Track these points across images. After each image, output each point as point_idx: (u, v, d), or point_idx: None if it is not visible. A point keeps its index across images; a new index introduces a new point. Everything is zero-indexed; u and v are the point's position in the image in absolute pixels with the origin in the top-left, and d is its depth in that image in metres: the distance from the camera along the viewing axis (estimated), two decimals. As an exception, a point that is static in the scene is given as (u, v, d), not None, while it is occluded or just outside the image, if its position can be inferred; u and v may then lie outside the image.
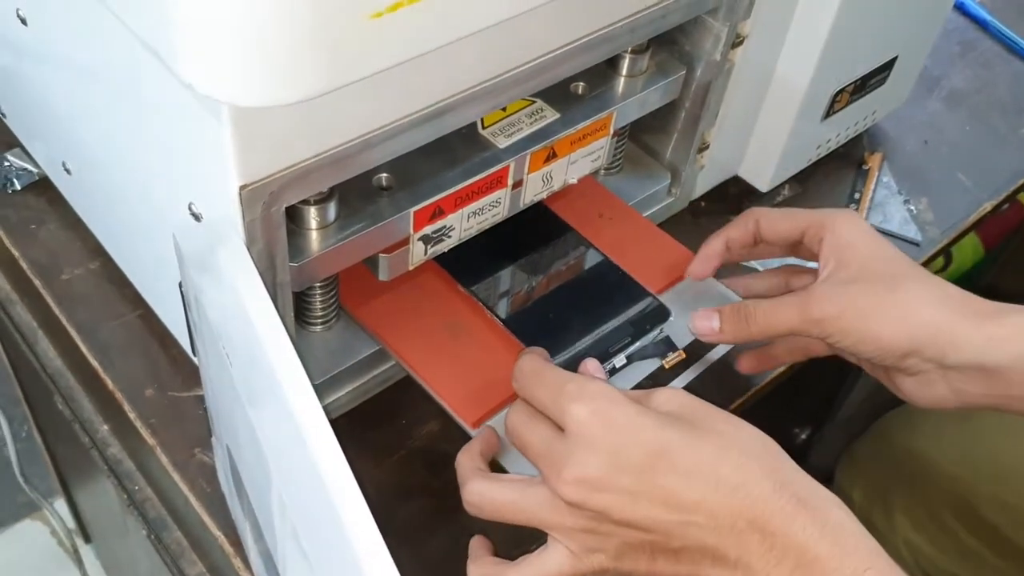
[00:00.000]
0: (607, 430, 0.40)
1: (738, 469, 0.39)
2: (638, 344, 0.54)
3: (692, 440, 0.40)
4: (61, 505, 1.22)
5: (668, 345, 0.55)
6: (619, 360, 0.54)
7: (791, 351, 0.57)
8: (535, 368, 0.44)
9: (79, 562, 1.24)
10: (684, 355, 0.55)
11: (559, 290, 0.58)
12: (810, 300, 0.50)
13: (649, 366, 0.54)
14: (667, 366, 0.54)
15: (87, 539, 1.26)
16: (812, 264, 0.54)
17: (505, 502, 0.43)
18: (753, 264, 0.65)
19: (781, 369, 0.62)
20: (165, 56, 0.37)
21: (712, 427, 0.41)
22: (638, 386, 0.54)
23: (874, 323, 0.48)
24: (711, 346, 0.56)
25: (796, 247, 0.55)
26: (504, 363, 0.53)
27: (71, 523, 1.24)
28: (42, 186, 0.66)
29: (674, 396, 0.43)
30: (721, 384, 0.61)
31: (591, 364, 0.48)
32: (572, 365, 0.52)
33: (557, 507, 0.41)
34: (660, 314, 0.56)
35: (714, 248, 0.56)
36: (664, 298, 0.57)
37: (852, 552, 0.38)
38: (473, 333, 0.55)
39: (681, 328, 0.55)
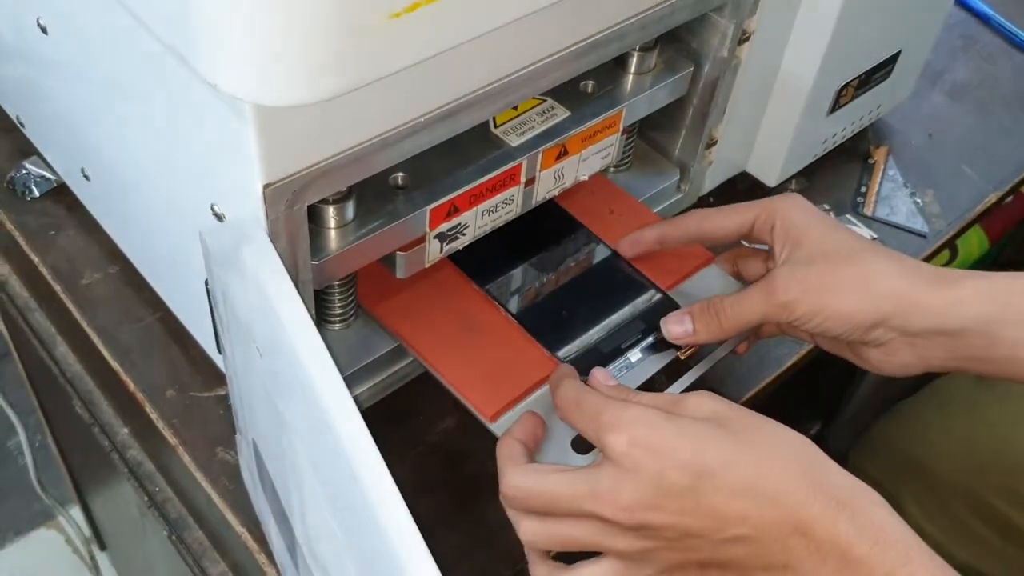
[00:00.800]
0: (648, 457, 0.41)
1: (778, 478, 0.40)
2: (650, 339, 0.55)
3: (731, 454, 0.41)
4: (77, 513, 1.23)
5: None
6: (634, 355, 0.54)
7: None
8: (574, 398, 0.45)
9: (95, 569, 1.25)
10: (697, 346, 0.55)
11: (571, 286, 0.58)
12: (774, 285, 0.50)
13: (665, 358, 0.55)
14: (683, 357, 0.55)
15: (102, 547, 1.27)
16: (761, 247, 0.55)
17: (561, 498, 0.43)
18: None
19: (787, 365, 0.63)
20: (188, 57, 0.37)
21: (748, 435, 0.42)
22: (653, 379, 0.54)
23: (839, 299, 0.49)
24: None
25: (744, 239, 0.56)
26: (521, 358, 0.54)
27: (87, 531, 1.25)
28: (60, 192, 0.67)
29: (703, 403, 0.43)
30: (726, 382, 0.61)
31: (599, 374, 0.48)
32: (585, 361, 0.53)
33: (607, 530, 0.42)
34: (670, 308, 0.56)
35: (647, 238, 0.58)
36: (676, 291, 0.58)
37: (890, 549, 0.39)
38: (489, 329, 0.55)
39: None
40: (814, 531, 0.39)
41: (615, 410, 0.42)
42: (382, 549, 0.33)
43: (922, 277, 0.50)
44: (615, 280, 0.59)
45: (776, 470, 0.40)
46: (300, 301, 0.36)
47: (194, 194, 0.47)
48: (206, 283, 0.43)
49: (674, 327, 0.53)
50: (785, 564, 0.40)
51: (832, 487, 0.40)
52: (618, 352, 0.54)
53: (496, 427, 0.51)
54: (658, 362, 0.55)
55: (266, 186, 0.40)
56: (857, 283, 0.49)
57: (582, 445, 0.49)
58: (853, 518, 0.39)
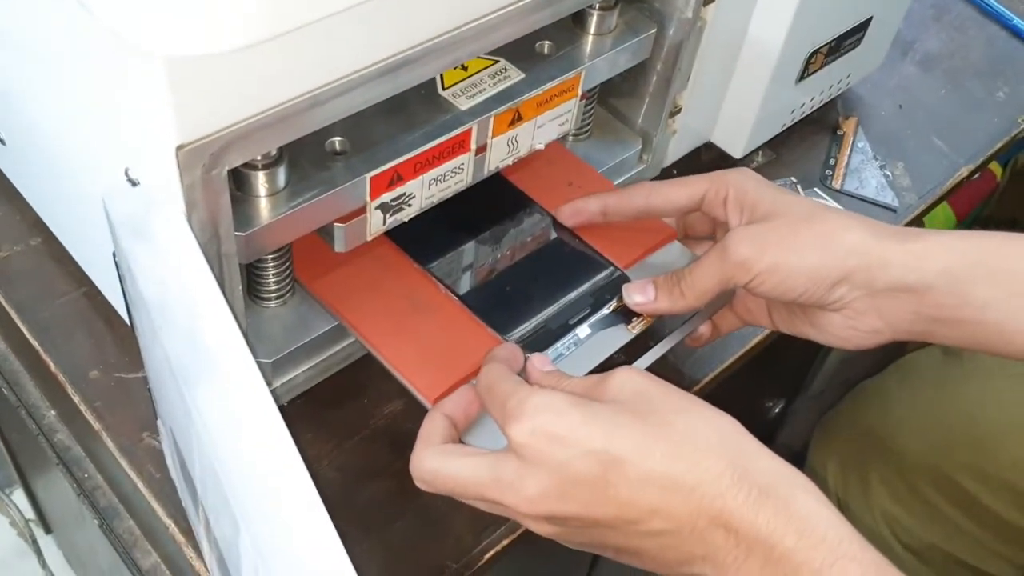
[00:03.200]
0: (552, 446, 0.38)
1: (693, 468, 0.37)
2: (599, 314, 0.52)
3: (644, 442, 0.38)
4: (19, 496, 1.19)
5: (631, 311, 0.53)
6: (582, 331, 0.52)
7: (725, 321, 0.55)
8: (488, 384, 0.43)
9: (39, 553, 1.21)
10: (651, 320, 0.52)
11: (518, 264, 0.55)
12: (728, 245, 0.48)
13: (617, 334, 0.52)
14: (632, 330, 0.52)
15: (47, 530, 1.22)
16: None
17: (466, 485, 0.41)
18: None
19: (751, 344, 0.61)
20: (91, 5, 0.33)
21: (665, 421, 0.39)
22: (611, 360, 0.51)
23: (799, 255, 0.47)
24: (677, 320, 0.53)
25: (689, 215, 0.54)
26: (465, 338, 0.51)
27: (30, 513, 1.21)
28: (-23, 159, 0.62)
29: (629, 380, 0.41)
30: (690, 360, 0.59)
31: (536, 360, 0.46)
32: (532, 338, 0.51)
33: (514, 514, 0.40)
34: (620, 283, 0.54)
35: (589, 208, 0.55)
36: (636, 268, 0.55)
37: (819, 544, 0.36)
38: (434, 307, 0.52)
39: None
40: (734, 523, 0.37)
41: (520, 397, 0.40)
42: (298, 554, 0.29)
43: (886, 233, 0.47)
44: (562, 256, 0.56)
45: (694, 458, 0.37)
46: (211, 277, 0.32)
47: (109, 158, 0.43)
48: (114, 255, 0.39)
49: (636, 295, 0.51)
50: (704, 556, 0.38)
51: (756, 474, 0.37)
52: (566, 328, 0.51)
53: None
54: (608, 337, 0.52)
55: (179, 147, 0.36)
56: (817, 239, 0.47)
57: None
58: (777, 509, 0.36)
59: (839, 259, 0.47)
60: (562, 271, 0.55)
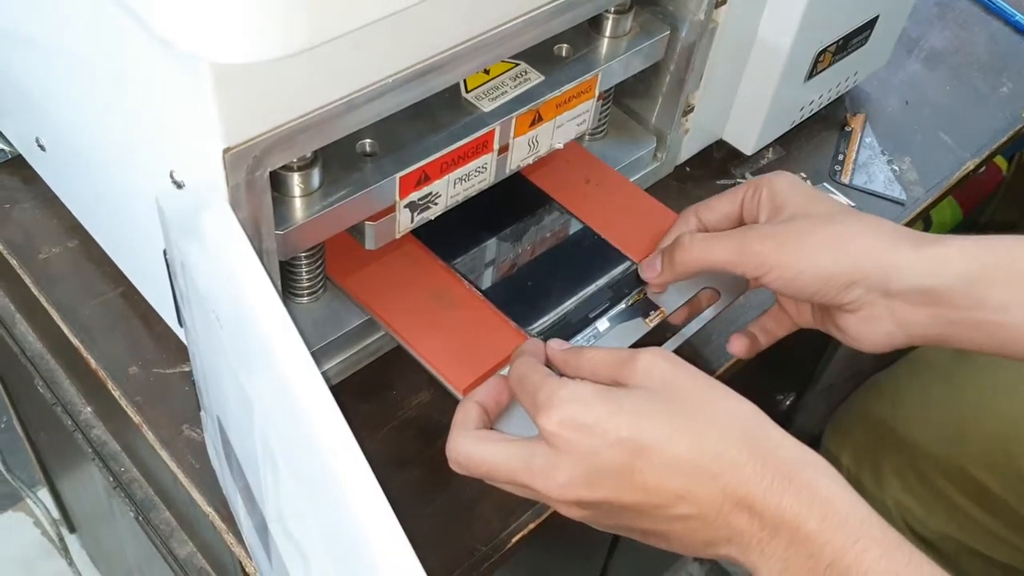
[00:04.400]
0: (580, 436, 0.40)
1: (718, 456, 0.39)
2: (617, 308, 0.54)
3: (670, 430, 0.39)
4: (45, 495, 1.21)
5: (649, 305, 0.55)
6: (602, 324, 0.54)
7: (765, 333, 0.57)
8: (519, 375, 0.44)
9: (65, 551, 1.23)
10: (665, 312, 0.54)
11: (539, 259, 0.57)
12: (748, 234, 0.50)
13: (635, 327, 0.54)
14: (649, 324, 0.54)
15: (72, 528, 1.25)
16: None
17: (499, 469, 0.42)
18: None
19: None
20: (142, 14, 0.35)
21: (690, 408, 0.40)
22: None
23: (814, 253, 0.48)
24: (691, 315, 0.55)
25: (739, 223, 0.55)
26: (490, 332, 0.53)
27: (55, 513, 1.23)
28: (15, 165, 0.64)
29: (655, 366, 0.42)
30: (702, 354, 0.61)
31: (554, 342, 0.48)
32: (553, 332, 0.52)
33: (545, 499, 0.42)
34: (637, 277, 0.56)
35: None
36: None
37: (841, 525, 0.37)
38: (458, 303, 0.54)
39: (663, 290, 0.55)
40: (758, 507, 0.38)
41: (549, 389, 0.41)
42: (352, 526, 0.31)
43: (904, 237, 0.48)
44: (582, 251, 0.58)
45: (718, 445, 0.39)
46: (262, 268, 0.34)
47: (153, 161, 0.45)
48: (164, 253, 0.41)
49: (647, 270, 0.54)
50: (729, 538, 0.39)
51: (778, 461, 0.39)
52: (586, 322, 0.53)
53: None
54: (626, 330, 0.54)
55: (226, 150, 0.39)
56: (834, 241, 0.48)
57: None
58: (800, 493, 0.38)
59: (852, 260, 0.48)
60: (580, 266, 0.57)
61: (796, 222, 0.50)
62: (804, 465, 0.39)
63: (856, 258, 0.48)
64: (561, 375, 0.44)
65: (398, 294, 0.54)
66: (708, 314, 0.55)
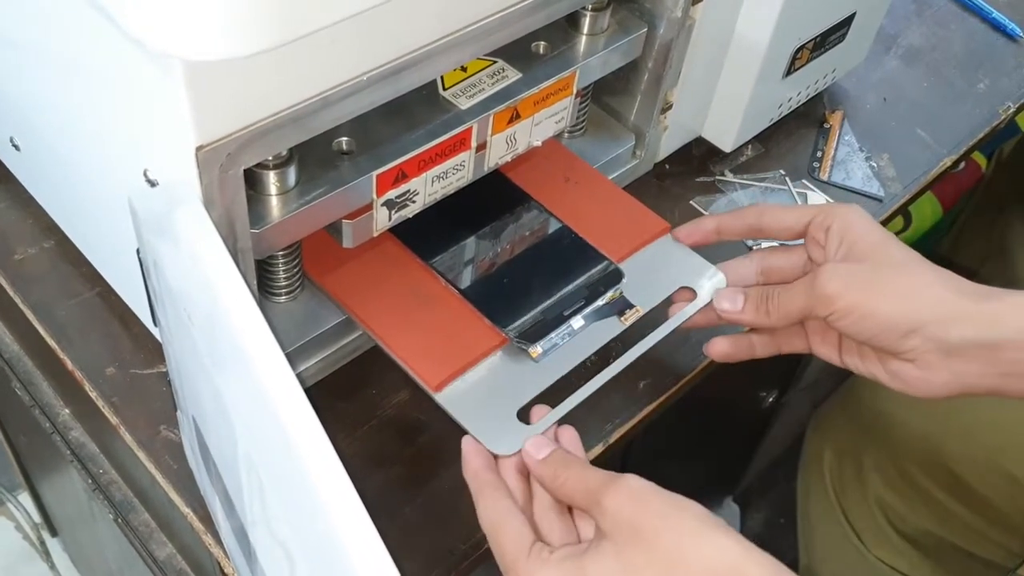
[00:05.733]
0: None
1: None
2: (593, 306, 0.54)
3: None
4: (26, 499, 1.20)
5: (624, 303, 0.55)
6: (576, 322, 0.54)
7: (766, 344, 0.57)
8: (491, 525, 0.44)
9: (47, 555, 1.22)
10: (640, 310, 0.55)
11: (517, 258, 0.57)
12: (817, 277, 0.50)
13: (610, 326, 0.54)
14: (625, 322, 0.54)
15: (53, 532, 1.24)
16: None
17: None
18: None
19: (744, 332, 0.62)
20: (114, 13, 0.35)
21: (658, 564, 0.40)
22: (609, 347, 0.53)
23: (877, 299, 0.49)
24: (665, 308, 0.55)
25: (772, 260, 0.56)
26: (467, 329, 0.53)
27: (36, 516, 1.22)
28: (-10, 165, 0.64)
29: (623, 507, 0.41)
30: (682, 351, 0.61)
31: (531, 445, 0.46)
32: (529, 330, 0.52)
33: None
34: (614, 277, 0.56)
35: (705, 226, 0.57)
36: (629, 263, 0.57)
37: None
38: (436, 301, 0.54)
39: (636, 288, 0.55)
40: None
41: (526, 569, 0.42)
42: (326, 528, 0.31)
43: (967, 290, 0.49)
44: (559, 250, 0.58)
45: None
46: (234, 266, 0.34)
47: (126, 160, 0.44)
48: (138, 252, 0.41)
49: (725, 302, 0.54)
50: None
51: None
52: (561, 319, 0.53)
53: (441, 397, 0.50)
54: (601, 328, 0.54)
55: (199, 148, 0.38)
56: (900, 288, 0.49)
57: (526, 415, 0.49)
58: None
59: (914, 309, 0.48)
60: (558, 264, 0.57)
61: (868, 264, 0.50)
62: None
63: (918, 308, 0.49)
64: None
65: (375, 293, 0.54)
66: (685, 313, 0.55)
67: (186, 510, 0.51)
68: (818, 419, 0.96)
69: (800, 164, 0.73)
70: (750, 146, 0.74)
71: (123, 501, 0.63)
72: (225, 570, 0.51)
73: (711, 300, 0.55)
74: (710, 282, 0.56)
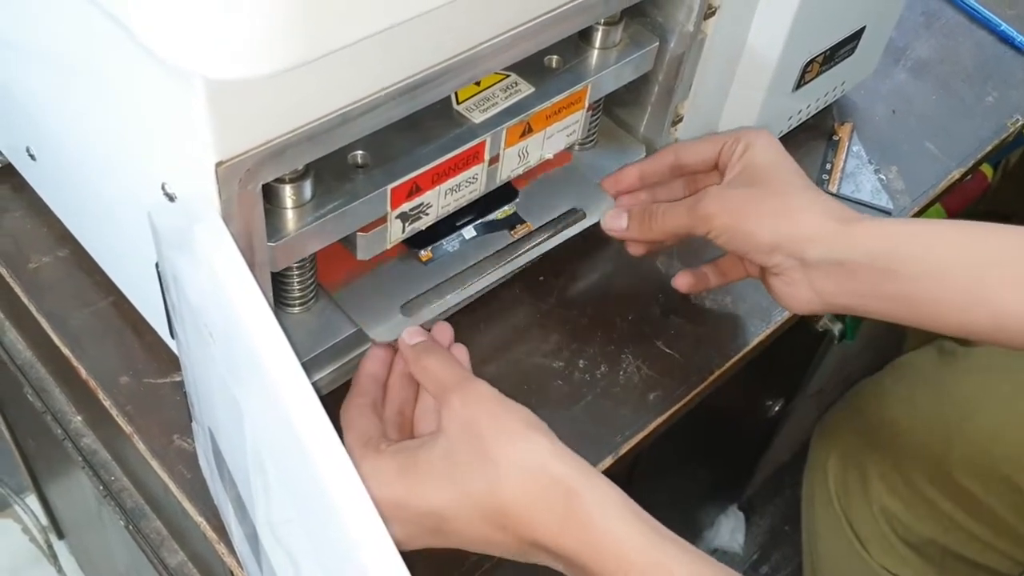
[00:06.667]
0: (396, 510, 0.44)
1: (505, 509, 0.42)
2: (486, 218, 0.58)
3: (460, 496, 0.43)
4: (33, 501, 1.20)
5: (516, 219, 0.59)
6: (468, 232, 0.57)
7: (718, 273, 0.61)
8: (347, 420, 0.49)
9: (53, 558, 1.23)
10: (531, 226, 0.58)
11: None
12: (699, 200, 0.54)
13: (499, 238, 0.58)
14: (514, 236, 0.58)
15: (60, 535, 1.24)
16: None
17: None
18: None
19: (751, 345, 0.63)
20: (136, 30, 0.36)
21: (481, 459, 0.43)
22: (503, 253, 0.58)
23: (747, 219, 0.53)
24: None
25: (712, 170, 0.58)
26: None
27: (44, 519, 1.22)
28: (5, 173, 0.64)
29: (468, 402, 0.44)
30: (691, 362, 0.61)
31: (406, 333, 0.51)
32: (422, 235, 0.55)
33: None
34: (508, 194, 0.59)
35: (628, 174, 0.60)
36: (530, 185, 0.61)
37: (613, 558, 0.41)
38: None
39: (530, 208, 0.60)
40: (552, 547, 0.42)
41: (361, 465, 0.44)
42: (342, 535, 0.32)
43: (835, 215, 0.52)
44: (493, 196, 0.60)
45: (504, 495, 0.42)
46: (254, 282, 0.34)
47: (145, 173, 0.45)
48: (157, 266, 0.41)
49: (611, 221, 0.58)
50: (542, 559, 0.43)
51: (560, 501, 0.42)
52: (452, 228, 0.57)
53: (336, 296, 0.54)
54: (492, 240, 0.58)
55: (219, 164, 0.39)
56: (771, 208, 0.52)
57: (410, 309, 0.54)
58: (580, 534, 0.41)
59: (777, 229, 0.52)
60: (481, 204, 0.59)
61: (750, 189, 0.53)
62: (584, 502, 0.42)
63: (784, 228, 0.52)
64: None
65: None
66: (571, 231, 0.59)
67: (199, 519, 0.52)
68: (823, 427, 0.97)
69: (809, 176, 0.73)
70: (759, 158, 0.74)
71: (134, 508, 0.64)
72: (238, 579, 0.51)
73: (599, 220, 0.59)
74: (602, 206, 0.59)
